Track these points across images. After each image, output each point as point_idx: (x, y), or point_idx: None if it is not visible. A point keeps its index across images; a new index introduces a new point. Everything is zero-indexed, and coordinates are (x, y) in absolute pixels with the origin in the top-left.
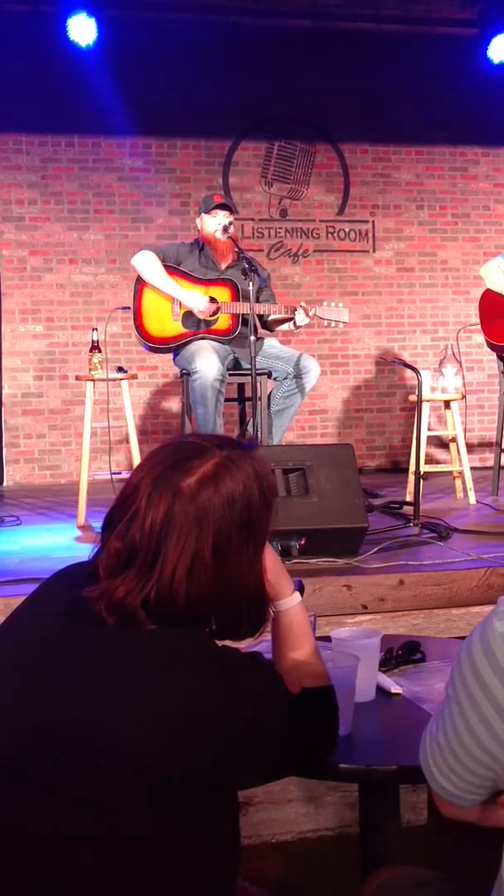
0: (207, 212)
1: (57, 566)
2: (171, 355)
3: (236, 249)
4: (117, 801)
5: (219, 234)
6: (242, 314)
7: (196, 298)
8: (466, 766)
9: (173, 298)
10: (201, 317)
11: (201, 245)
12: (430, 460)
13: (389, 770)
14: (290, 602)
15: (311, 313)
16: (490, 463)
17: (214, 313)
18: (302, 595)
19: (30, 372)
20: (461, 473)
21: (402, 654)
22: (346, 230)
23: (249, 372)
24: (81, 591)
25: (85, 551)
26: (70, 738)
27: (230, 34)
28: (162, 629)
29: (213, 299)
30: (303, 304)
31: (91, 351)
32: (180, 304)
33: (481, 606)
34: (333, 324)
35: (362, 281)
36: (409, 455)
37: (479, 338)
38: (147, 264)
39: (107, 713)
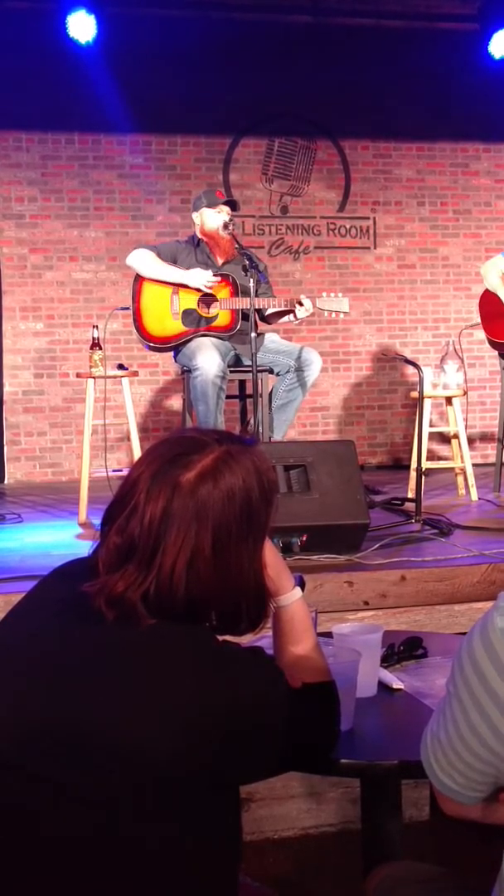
0: (211, 206)
1: (58, 563)
2: (171, 353)
3: (236, 246)
4: (118, 797)
5: (221, 231)
6: (242, 310)
7: (198, 274)
8: (468, 762)
9: (172, 293)
10: (206, 291)
11: (197, 241)
12: (432, 457)
13: (391, 765)
14: (291, 597)
15: (307, 305)
16: (492, 459)
17: (214, 302)
18: (303, 590)
19: (30, 369)
20: (463, 470)
21: (404, 650)
22: (347, 227)
23: (250, 368)
24: (81, 587)
25: (86, 548)
26: (71, 734)
27: (230, 30)
28: (162, 624)
29: (209, 298)
30: (302, 297)
31: (92, 348)
32: (181, 289)
33: (483, 602)
34: (334, 314)
35: (363, 277)
36: (410, 451)
37: (481, 334)
38: (143, 259)
39: (107, 708)
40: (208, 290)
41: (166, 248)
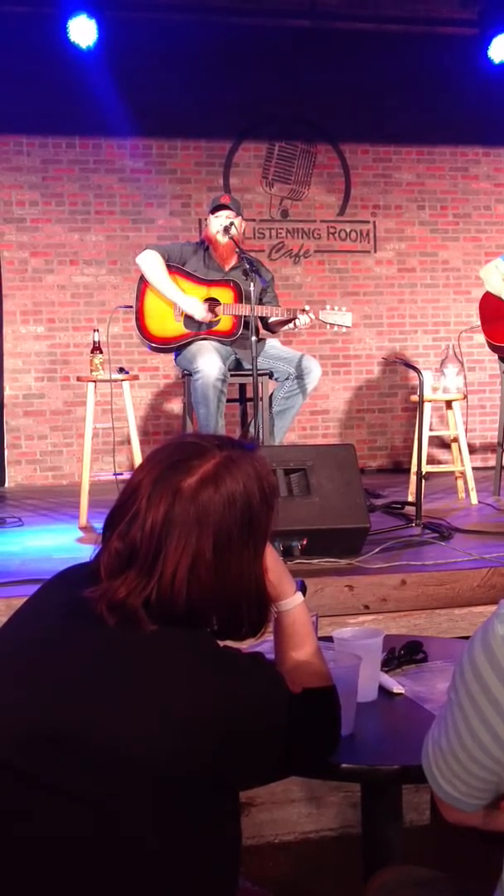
0: (212, 212)
1: (59, 567)
2: (172, 356)
3: (237, 251)
4: (118, 802)
5: (219, 236)
6: (244, 315)
7: (194, 306)
8: (469, 769)
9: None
10: (203, 321)
11: (206, 245)
12: (432, 460)
13: (392, 770)
14: (293, 602)
15: (312, 317)
16: (492, 463)
17: (214, 318)
18: (304, 595)
19: (31, 373)
20: (463, 473)
21: (405, 654)
22: (347, 230)
23: (251, 372)
24: (82, 592)
25: (87, 552)
26: (72, 738)
27: (230, 35)
28: (163, 629)
29: (212, 302)
30: (306, 307)
31: (92, 352)
32: (186, 290)
33: (483, 606)
34: (336, 327)
35: (363, 281)
36: (410, 455)
37: (481, 338)
38: (150, 265)
39: (108, 713)
40: (205, 319)
41: (175, 249)
